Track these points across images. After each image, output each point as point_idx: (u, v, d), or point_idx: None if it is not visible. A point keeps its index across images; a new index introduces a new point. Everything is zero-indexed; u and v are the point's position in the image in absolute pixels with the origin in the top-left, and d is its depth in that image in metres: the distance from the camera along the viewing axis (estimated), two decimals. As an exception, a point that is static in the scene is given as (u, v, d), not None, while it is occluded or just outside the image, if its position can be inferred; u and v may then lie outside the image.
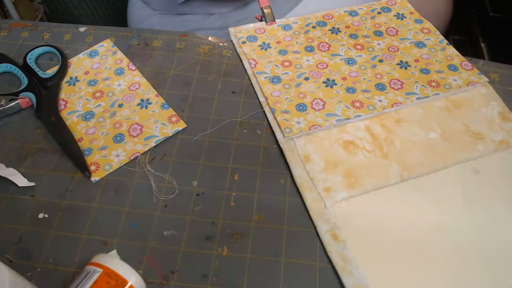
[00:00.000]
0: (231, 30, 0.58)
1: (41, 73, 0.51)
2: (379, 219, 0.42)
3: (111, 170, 0.44)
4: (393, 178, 0.44)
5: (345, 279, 0.38)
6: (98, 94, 0.50)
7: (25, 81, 0.50)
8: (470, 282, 0.39)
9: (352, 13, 0.60)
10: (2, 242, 0.40)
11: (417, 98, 0.50)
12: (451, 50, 0.55)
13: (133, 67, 0.53)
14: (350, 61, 0.54)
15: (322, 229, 0.41)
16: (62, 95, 0.50)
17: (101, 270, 0.34)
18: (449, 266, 0.40)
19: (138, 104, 0.49)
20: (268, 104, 0.50)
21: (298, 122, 0.48)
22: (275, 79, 0.52)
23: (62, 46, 0.55)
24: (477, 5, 1.17)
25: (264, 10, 0.59)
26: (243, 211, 0.42)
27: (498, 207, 0.43)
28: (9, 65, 0.52)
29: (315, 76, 0.52)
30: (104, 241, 0.40)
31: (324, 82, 0.52)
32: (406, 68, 0.53)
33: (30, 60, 0.52)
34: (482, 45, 1.12)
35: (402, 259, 0.40)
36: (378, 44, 0.56)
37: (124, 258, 0.39)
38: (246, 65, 0.54)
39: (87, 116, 0.48)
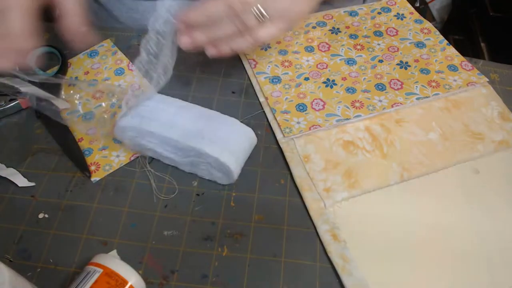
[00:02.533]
0: None
1: (41, 73, 0.51)
2: (379, 219, 0.42)
3: (111, 170, 0.44)
4: (393, 178, 0.44)
5: (345, 279, 0.38)
6: (98, 95, 0.50)
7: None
8: (470, 282, 0.39)
9: (352, 13, 0.60)
10: (2, 242, 0.40)
11: (417, 98, 0.50)
12: (451, 50, 0.55)
13: (133, 67, 0.53)
14: (350, 61, 0.54)
15: (322, 229, 0.41)
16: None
17: (101, 270, 0.34)
18: (449, 266, 0.40)
19: (138, 104, 0.49)
20: (268, 104, 0.50)
21: (298, 122, 0.48)
22: (275, 79, 0.52)
23: (62, 46, 0.55)
24: (477, 5, 1.17)
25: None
26: (243, 211, 0.42)
27: (498, 207, 0.43)
28: (9, 65, 0.52)
29: (315, 76, 0.52)
30: (104, 241, 0.40)
31: (324, 82, 0.52)
32: (406, 68, 0.53)
33: (30, 60, 0.52)
34: (482, 45, 1.12)
35: (402, 259, 0.40)
36: (378, 44, 0.56)
37: (124, 258, 0.39)
38: (246, 65, 0.54)
39: (87, 116, 0.48)
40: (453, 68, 0.53)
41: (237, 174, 0.43)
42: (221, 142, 0.42)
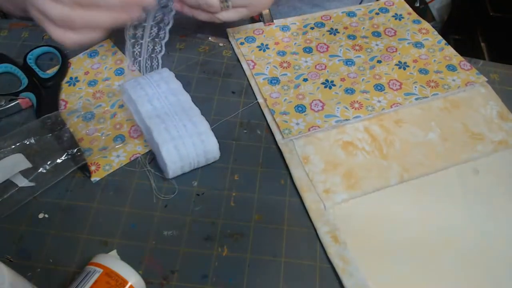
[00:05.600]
0: (229, 30, 0.58)
1: (41, 73, 0.51)
2: (379, 221, 0.42)
3: (111, 170, 0.44)
4: (393, 179, 0.45)
5: (345, 280, 0.38)
6: (98, 95, 0.50)
7: (25, 81, 0.50)
8: (471, 282, 0.39)
9: (350, 14, 0.60)
10: (2, 242, 0.40)
11: (416, 99, 0.50)
12: (450, 50, 0.55)
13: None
14: (349, 62, 0.54)
15: (322, 230, 0.41)
16: (62, 95, 0.50)
17: (101, 270, 0.34)
18: (449, 266, 0.40)
19: (138, 105, 0.49)
20: (267, 106, 0.50)
21: (297, 124, 0.48)
22: (274, 80, 0.52)
23: (62, 46, 0.55)
24: (477, 5, 1.17)
25: (262, 11, 0.58)
26: (243, 211, 0.43)
27: (499, 207, 0.43)
28: (9, 65, 0.52)
29: (313, 77, 0.52)
30: (104, 241, 0.40)
31: (323, 83, 0.52)
32: (404, 69, 0.53)
33: (30, 60, 0.52)
34: (482, 45, 1.12)
35: (403, 260, 0.40)
36: (377, 45, 0.56)
37: (124, 258, 0.39)
38: (245, 66, 0.54)
39: (88, 116, 0.48)
40: (451, 68, 0.53)
41: (174, 172, 0.43)
42: (175, 135, 0.42)
